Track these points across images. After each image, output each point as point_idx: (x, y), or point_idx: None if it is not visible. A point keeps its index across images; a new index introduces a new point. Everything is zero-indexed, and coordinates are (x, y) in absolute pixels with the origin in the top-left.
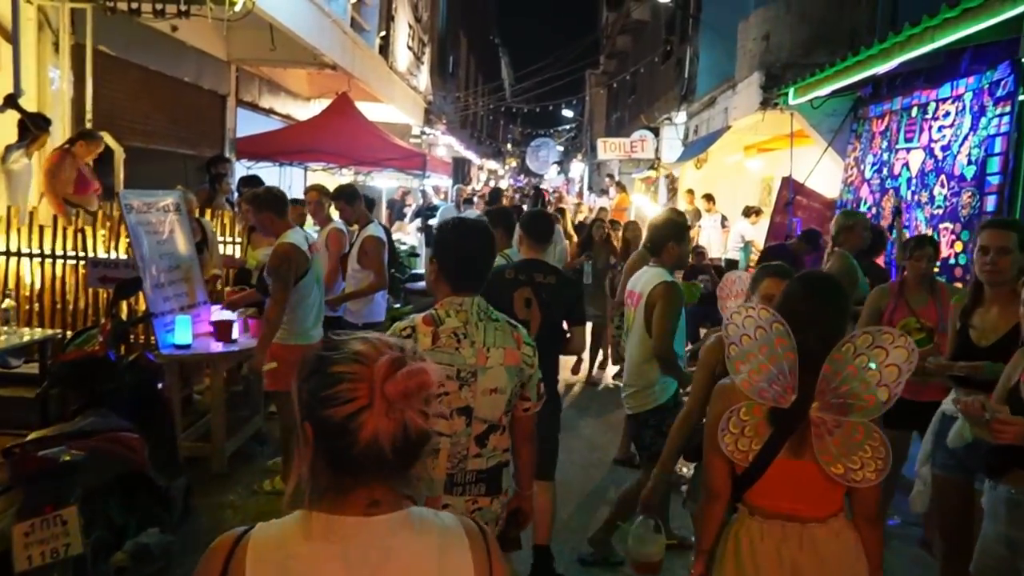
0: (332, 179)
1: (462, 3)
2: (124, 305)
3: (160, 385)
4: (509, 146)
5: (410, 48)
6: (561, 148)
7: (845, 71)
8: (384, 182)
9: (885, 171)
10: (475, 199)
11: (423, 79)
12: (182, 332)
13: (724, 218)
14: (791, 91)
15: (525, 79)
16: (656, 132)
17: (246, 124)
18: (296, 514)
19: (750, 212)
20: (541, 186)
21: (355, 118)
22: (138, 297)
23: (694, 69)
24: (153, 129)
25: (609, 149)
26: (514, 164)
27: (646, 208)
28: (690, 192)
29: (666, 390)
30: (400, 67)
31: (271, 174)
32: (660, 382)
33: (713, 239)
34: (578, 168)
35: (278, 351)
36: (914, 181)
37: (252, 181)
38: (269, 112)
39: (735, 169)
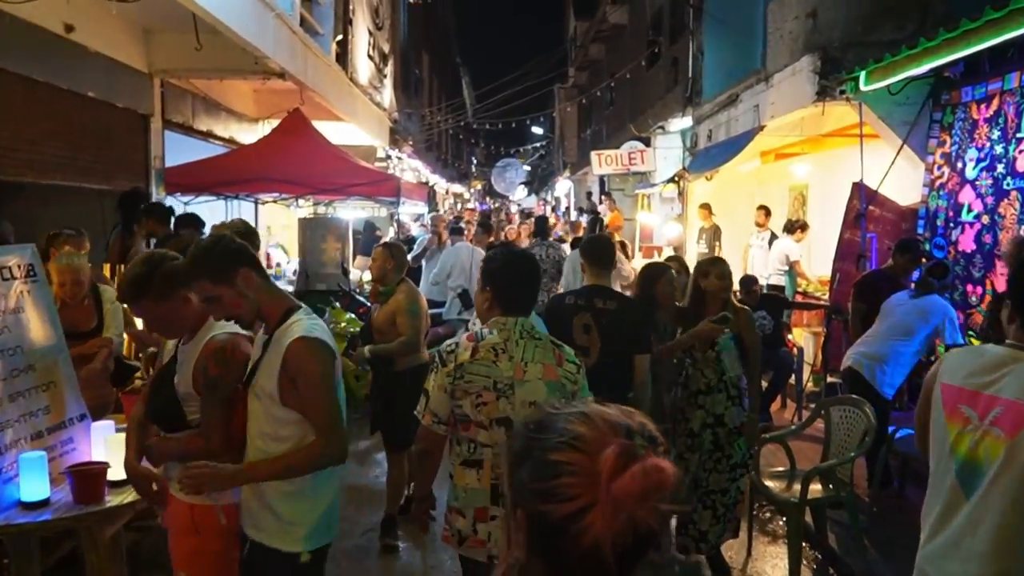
0: (288, 213)
1: (423, 17)
2: None
3: None
4: (473, 168)
5: (371, 58)
6: (528, 168)
7: (946, 45)
8: (350, 213)
9: (1001, 168)
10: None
11: (387, 95)
12: (32, 482)
13: (774, 236)
14: (862, 75)
15: (489, 96)
16: (647, 142)
17: (178, 151)
18: None
19: (794, 227)
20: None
21: (311, 138)
22: None
23: (699, 67)
24: (45, 159)
25: (605, 163)
26: (479, 187)
27: (670, 231)
28: (705, 208)
29: None
30: (361, 79)
31: (215, 210)
32: None
33: (759, 262)
34: (564, 186)
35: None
36: None
37: (189, 222)
38: (207, 136)
39: (754, 179)
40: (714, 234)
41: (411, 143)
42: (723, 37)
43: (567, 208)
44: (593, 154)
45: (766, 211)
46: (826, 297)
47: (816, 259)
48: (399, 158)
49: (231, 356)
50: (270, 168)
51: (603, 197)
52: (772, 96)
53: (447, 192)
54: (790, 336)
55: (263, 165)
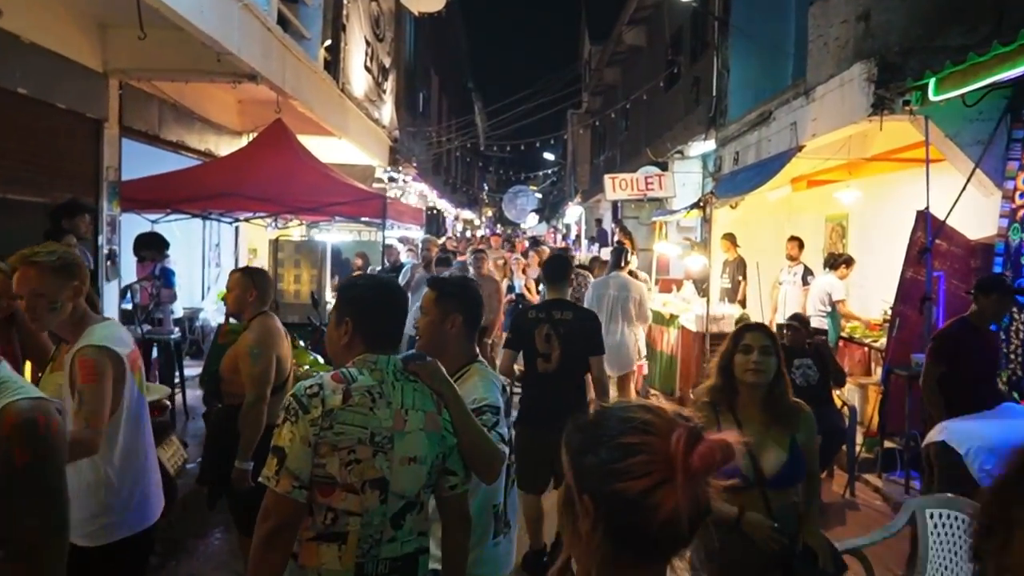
0: (265, 235)
1: (433, 36)
2: None
3: None
4: (484, 195)
5: (368, 70)
6: (540, 196)
7: None
8: (335, 236)
9: None
10: (455, 256)
11: (387, 112)
12: None
13: (808, 272)
14: (932, 82)
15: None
16: (664, 167)
17: (141, 162)
18: None
19: (837, 262)
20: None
21: (292, 152)
22: None
23: (724, 85)
24: None
25: (619, 188)
26: (490, 214)
27: (693, 263)
28: (728, 239)
29: None
30: (356, 91)
31: (189, 230)
32: None
33: (792, 299)
34: (574, 213)
35: None
36: None
37: (151, 242)
38: (178, 147)
39: (783, 208)
40: (738, 267)
41: (415, 164)
42: (751, 51)
43: (577, 236)
44: (607, 178)
45: (799, 243)
46: (878, 344)
47: (856, 299)
48: (404, 180)
49: (46, 433)
50: (243, 183)
51: (615, 226)
52: (814, 111)
53: (457, 218)
54: (837, 392)
55: (235, 180)
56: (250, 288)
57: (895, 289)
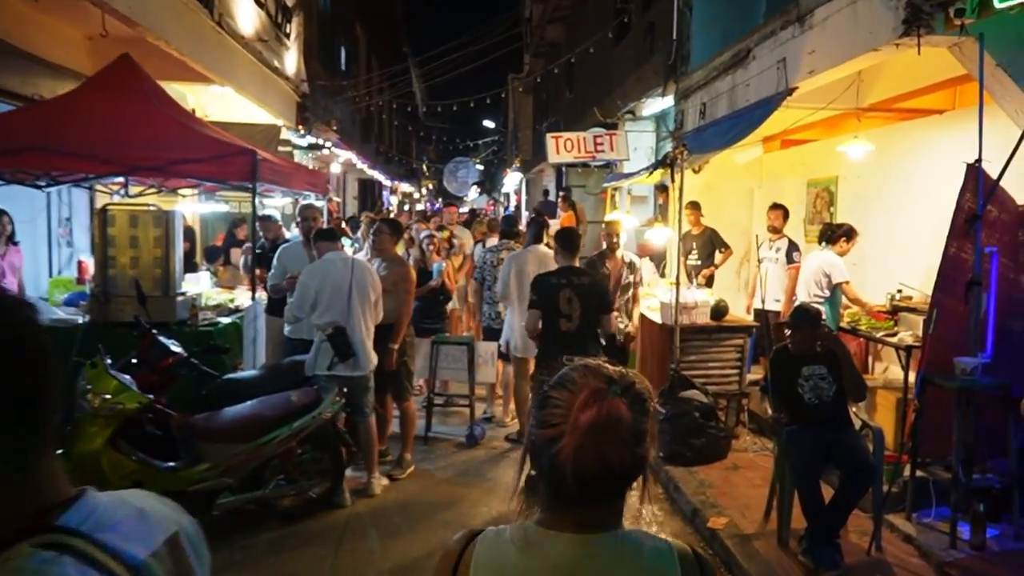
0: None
1: None
2: None
3: None
4: (425, 166)
5: (261, 5)
6: (481, 167)
7: None
8: (194, 207)
9: None
10: (356, 242)
11: (291, 60)
12: None
13: (794, 247)
14: None
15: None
16: (613, 129)
17: None
18: (519, 523)
19: (836, 235)
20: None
21: (141, 96)
22: None
23: (686, 26)
24: None
25: (564, 149)
26: (431, 186)
27: (656, 237)
28: (693, 208)
29: None
30: (243, 29)
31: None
32: None
33: (775, 280)
34: (513, 180)
35: None
36: None
37: None
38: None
39: (753, 172)
40: (711, 242)
41: (335, 128)
42: None
43: (516, 207)
44: (549, 137)
45: (784, 212)
46: (896, 339)
47: (855, 283)
48: (327, 146)
49: None
50: (62, 136)
51: (559, 194)
52: (812, 42)
53: (394, 190)
54: (854, 409)
55: (52, 131)
56: None
57: (898, 268)
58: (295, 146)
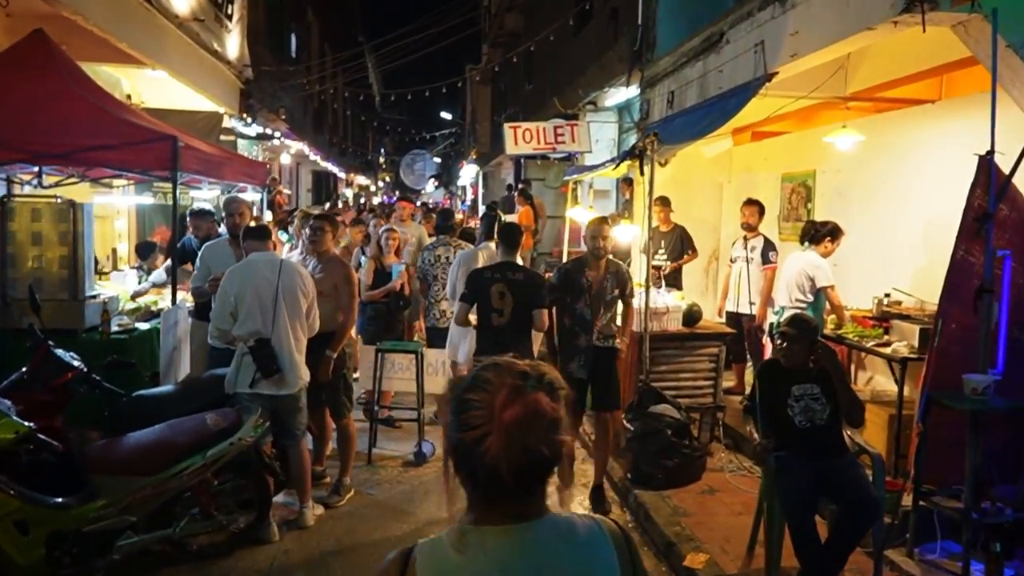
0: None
1: None
2: None
3: None
4: (382, 159)
5: None
6: (439, 160)
7: None
8: (129, 199)
9: None
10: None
11: (233, 43)
12: None
13: (770, 246)
14: None
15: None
16: (575, 120)
17: None
18: (453, 527)
19: (820, 235)
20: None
21: (55, 76)
22: None
23: (652, 9)
24: None
25: (522, 140)
26: (388, 179)
27: (622, 234)
28: (662, 204)
29: None
30: (177, 7)
31: None
32: None
33: (750, 283)
34: (469, 172)
35: None
36: None
37: None
38: None
39: (723, 166)
40: (680, 240)
41: (283, 117)
42: None
43: (474, 200)
44: (507, 127)
45: (759, 208)
46: (889, 350)
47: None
48: (276, 136)
49: None
50: None
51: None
52: (795, 22)
53: (349, 183)
54: (848, 433)
55: None
56: None
57: (883, 269)
58: (240, 135)
